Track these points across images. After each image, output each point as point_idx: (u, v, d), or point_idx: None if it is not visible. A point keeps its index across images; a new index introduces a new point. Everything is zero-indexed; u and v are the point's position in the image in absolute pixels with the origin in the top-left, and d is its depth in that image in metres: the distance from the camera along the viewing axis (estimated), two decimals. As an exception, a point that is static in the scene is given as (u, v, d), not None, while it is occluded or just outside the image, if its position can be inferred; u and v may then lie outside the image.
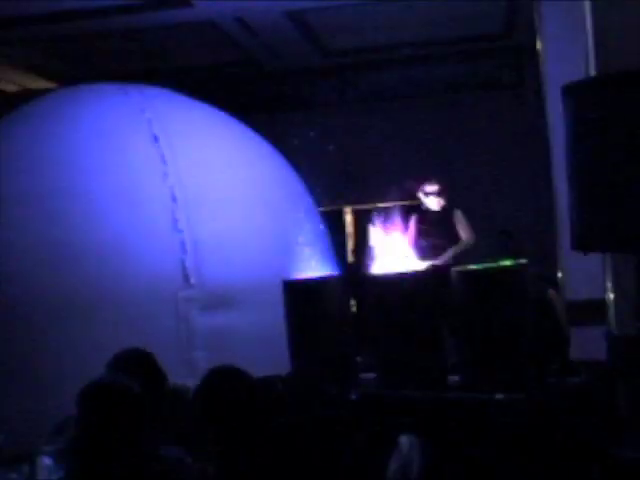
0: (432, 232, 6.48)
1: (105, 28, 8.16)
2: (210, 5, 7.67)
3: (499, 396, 3.66)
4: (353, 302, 4.96)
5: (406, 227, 6.32)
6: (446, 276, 4.50)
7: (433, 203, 6.57)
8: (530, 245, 8.21)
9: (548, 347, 5.30)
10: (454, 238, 6.56)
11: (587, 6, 4.24)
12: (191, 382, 3.39)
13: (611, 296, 4.27)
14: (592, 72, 4.15)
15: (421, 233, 6.46)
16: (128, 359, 3.47)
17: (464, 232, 6.56)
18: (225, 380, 2.76)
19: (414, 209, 6.71)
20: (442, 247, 6.44)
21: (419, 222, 6.56)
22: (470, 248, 6.49)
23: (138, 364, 3.46)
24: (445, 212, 6.61)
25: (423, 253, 6.01)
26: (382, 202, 10.07)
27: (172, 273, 5.30)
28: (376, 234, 6.35)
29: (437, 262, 6.27)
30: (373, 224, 6.39)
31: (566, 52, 5.97)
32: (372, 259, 5.19)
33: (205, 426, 2.70)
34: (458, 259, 6.26)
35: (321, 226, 6.45)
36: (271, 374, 4.29)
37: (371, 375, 4.31)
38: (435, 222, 6.56)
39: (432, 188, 6.55)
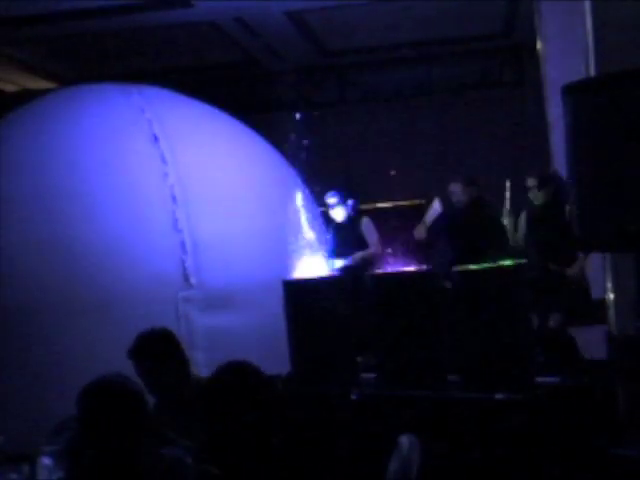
0: (342, 240, 6.64)
1: (105, 28, 8.17)
2: (210, 5, 7.68)
3: (499, 396, 3.66)
4: (353, 302, 4.96)
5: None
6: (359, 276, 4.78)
7: (336, 214, 6.78)
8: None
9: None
10: (363, 245, 6.76)
11: (587, 6, 4.24)
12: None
13: (611, 296, 4.27)
14: (592, 72, 4.15)
15: (334, 241, 6.59)
16: (155, 339, 3.52)
17: (370, 241, 6.75)
18: (235, 376, 2.75)
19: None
20: (350, 254, 6.65)
21: (333, 231, 6.76)
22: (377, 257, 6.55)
23: (166, 342, 3.51)
24: (351, 221, 6.79)
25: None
26: (382, 202, 10.09)
27: (172, 273, 5.30)
28: None
29: (348, 263, 6.42)
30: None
31: (566, 52, 5.98)
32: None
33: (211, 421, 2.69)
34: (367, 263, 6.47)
35: (321, 226, 6.45)
36: (271, 374, 4.29)
37: (371, 375, 4.31)
38: (344, 231, 6.74)
39: (332, 200, 6.75)
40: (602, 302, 4.55)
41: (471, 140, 9.61)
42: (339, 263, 6.16)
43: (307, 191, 6.66)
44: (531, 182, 5.77)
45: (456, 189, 6.31)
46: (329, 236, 6.47)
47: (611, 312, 4.29)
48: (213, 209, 5.59)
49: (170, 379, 3.50)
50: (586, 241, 2.95)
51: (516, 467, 3.59)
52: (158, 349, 3.51)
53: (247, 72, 10.26)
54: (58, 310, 5.08)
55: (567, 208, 5.69)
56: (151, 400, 3.27)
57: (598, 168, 2.82)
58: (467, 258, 5.89)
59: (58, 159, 5.53)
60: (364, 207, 9.60)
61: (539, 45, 7.23)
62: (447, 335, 4.19)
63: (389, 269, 4.42)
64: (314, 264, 4.73)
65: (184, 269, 5.31)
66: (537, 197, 5.78)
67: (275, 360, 4.48)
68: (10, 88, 10.22)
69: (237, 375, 2.72)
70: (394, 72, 10.32)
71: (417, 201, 9.54)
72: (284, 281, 4.55)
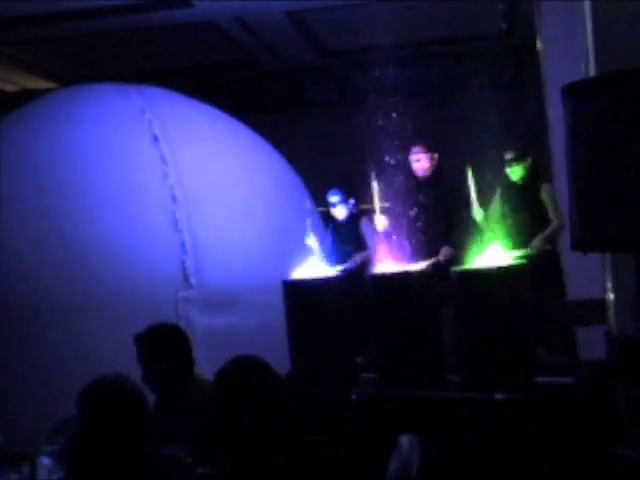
0: (342, 240, 6.32)
1: (105, 28, 8.16)
2: (210, 5, 7.67)
3: (499, 396, 3.66)
4: (353, 302, 4.96)
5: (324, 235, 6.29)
6: (359, 279, 4.62)
7: (338, 212, 6.44)
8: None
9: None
10: (362, 245, 6.39)
11: (587, 6, 4.25)
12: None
13: (611, 296, 4.28)
14: (592, 72, 4.16)
15: (334, 241, 6.32)
16: (164, 331, 3.53)
17: (369, 242, 6.33)
18: (244, 370, 2.76)
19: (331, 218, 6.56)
20: (352, 254, 6.29)
21: (333, 230, 6.42)
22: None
23: (173, 335, 3.53)
24: (352, 221, 6.45)
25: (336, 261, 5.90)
26: (382, 202, 10.08)
27: (172, 273, 5.30)
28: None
29: (347, 266, 6.18)
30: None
31: (566, 52, 5.99)
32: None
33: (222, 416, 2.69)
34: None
35: (320, 226, 6.45)
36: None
37: (371, 375, 4.31)
38: (344, 230, 6.41)
39: (334, 198, 6.40)
40: (602, 302, 4.56)
41: (471, 140, 9.60)
42: (339, 268, 6.04)
43: (307, 191, 6.67)
44: (509, 155, 5.64)
45: (420, 155, 6.03)
46: (329, 235, 6.38)
47: (611, 312, 4.30)
48: (213, 209, 5.60)
49: (172, 375, 3.50)
50: (586, 241, 2.95)
51: (516, 467, 3.60)
52: (164, 342, 3.52)
53: (247, 72, 10.26)
54: (58, 310, 5.08)
55: (542, 187, 5.67)
56: (151, 398, 3.27)
57: (598, 168, 2.82)
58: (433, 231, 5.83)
59: (58, 159, 5.53)
60: (364, 207, 9.60)
61: (539, 45, 7.24)
62: (447, 335, 4.19)
63: (389, 269, 4.42)
64: (314, 264, 4.73)
65: (184, 269, 5.31)
66: (514, 171, 5.63)
67: (275, 360, 4.47)
68: (10, 88, 10.22)
69: (241, 374, 2.72)
70: (394, 72, 10.30)
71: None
72: (284, 281, 4.55)
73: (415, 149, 6.08)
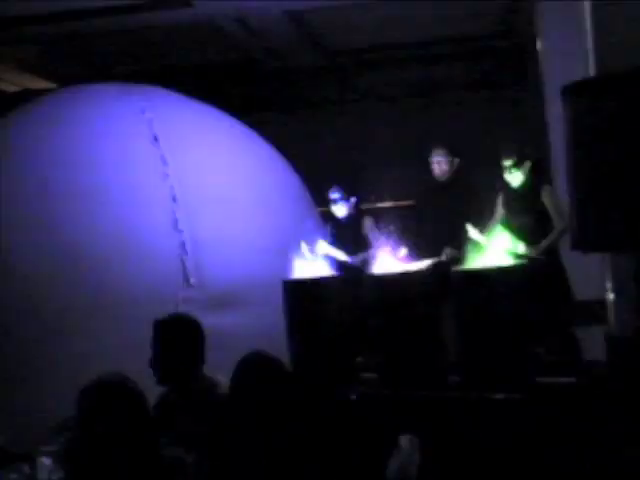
0: (342, 239, 6.25)
1: (105, 28, 8.17)
2: (210, 5, 7.68)
3: (499, 396, 3.66)
4: (353, 302, 4.96)
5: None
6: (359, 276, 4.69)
7: (338, 210, 6.39)
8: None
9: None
10: (362, 244, 6.31)
11: (587, 6, 4.25)
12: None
13: (611, 296, 4.28)
14: (592, 72, 4.17)
15: (334, 240, 6.28)
16: (176, 324, 3.55)
17: (373, 242, 6.21)
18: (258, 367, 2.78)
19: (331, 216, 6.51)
20: (351, 253, 6.22)
21: (333, 229, 6.39)
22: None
23: (185, 328, 3.54)
24: (352, 219, 6.39)
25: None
26: (382, 202, 10.10)
27: (172, 273, 5.30)
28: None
29: (351, 261, 6.14)
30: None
31: (566, 52, 5.99)
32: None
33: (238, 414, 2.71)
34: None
35: (321, 226, 6.45)
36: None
37: (371, 375, 4.31)
38: (344, 228, 6.36)
39: (335, 196, 6.35)
40: (602, 302, 4.57)
41: (471, 140, 9.61)
42: (341, 255, 6.01)
43: (307, 191, 6.67)
44: (507, 162, 5.52)
45: (440, 158, 6.04)
46: (329, 233, 6.36)
47: (611, 312, 4.30)
48: (213, 209, 5.59)
49: (175, 367, 3.50)
50: (586, 241, 2.95)
51: (516, 467, 3.60)
52: (175, 332, 3.53)
53: (247, 72, 10.26)
54: (57, 310, 5.08)
55: (542, 190, 5.63)
56: (152, 398, 3.27)
57: (598, 168, 2.82)
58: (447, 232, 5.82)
59: (58, 159, 5.53)
60: (365, 207, 9.60)
61: (539, 45, 7.25)
62: (447, 335, 4.19)
63: (389, 268, 4.42)
64: (314, 264, 4.73)
65: (184, 269, 5.31)
66: (514, 178, 5.55)
67: (275, 360, 4.47)
68: (10, 88, 10.22)
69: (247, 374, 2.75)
70: (394, 72, 10.31)
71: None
72: (284, 281, 4.55)
73: (436, 151, 6.09)
